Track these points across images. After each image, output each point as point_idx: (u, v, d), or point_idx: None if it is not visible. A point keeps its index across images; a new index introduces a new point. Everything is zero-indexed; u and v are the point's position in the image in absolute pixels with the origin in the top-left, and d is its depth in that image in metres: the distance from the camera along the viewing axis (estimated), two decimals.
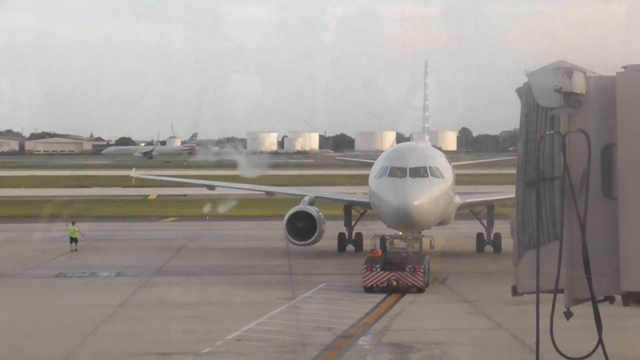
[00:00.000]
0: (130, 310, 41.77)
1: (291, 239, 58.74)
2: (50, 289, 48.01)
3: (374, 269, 45.38)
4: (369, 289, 45.43)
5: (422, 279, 45.33)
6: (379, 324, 37.49)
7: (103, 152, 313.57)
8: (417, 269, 45.28)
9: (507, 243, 58.08)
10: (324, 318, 38.66)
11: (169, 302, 43.72)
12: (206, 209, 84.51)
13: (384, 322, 37.94)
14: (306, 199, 61.79)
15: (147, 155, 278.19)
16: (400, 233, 50.44)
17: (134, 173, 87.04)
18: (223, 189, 77.41)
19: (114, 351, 33.48)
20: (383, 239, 49.51)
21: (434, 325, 37.87)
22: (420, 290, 45.35)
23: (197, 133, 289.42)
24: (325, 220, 60.03)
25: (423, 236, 51.12)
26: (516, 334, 34.95)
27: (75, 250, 61.65)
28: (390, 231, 51.78)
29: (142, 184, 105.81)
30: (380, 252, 47.37)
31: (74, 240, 62.34)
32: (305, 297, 44.26)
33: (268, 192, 75.55)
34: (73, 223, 63.71)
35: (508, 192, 62.27)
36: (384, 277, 45.29)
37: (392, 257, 46.35)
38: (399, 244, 49.22)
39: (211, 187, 74.93)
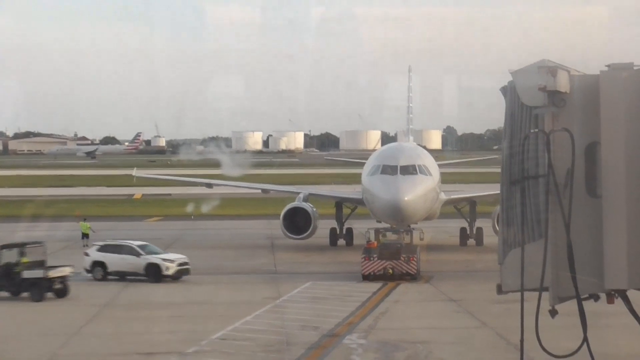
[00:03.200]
0: (115, 310, 41.66)
1: (287, 233, 61.54)
2: None
3: (372, 259, 48.31)
4: (367, 277, 48.15)
5: (415, 267, 48.19)
6: (365, 323, 37.48)
7: (45, 152, 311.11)
8: (412, 258, 48.30)
9: (489, 238, 59.24)
10: (309, 317, 38.65)
11: (153, 302, 43.60)
12: (191, 208, 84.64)
13: (370, 321, 37.94)
14: (301, 195, 64.60)
15: (90, 155, 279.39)
16: (393, 226, 53.15)
17: (135, 172, 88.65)
18: (219, 187, 79.44)
19: (98, 352, 33.40)
20: (377, 231, 52.42)
21: (420, 324, 37.89)
22: (413, 277, 48.09)
23: (141, 133, 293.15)
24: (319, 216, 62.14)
25: (413, 229, 54.09)
26: (501, 332, 35.00)
27: (87, 245, 62.17)
28: (381, 225, 54.09)
29: (131, 183, 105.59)
30: (376, 243, 50.34)
31: (85, 235, 64.29)
32: (291, 296, 44.24)
33: (264, 190, 77.96)
34: (85, 220, 66.12)
35: (490, 190, 64.39)
36: (380, 266, 48.18)
37: (388, 247, 49.05)
38: (391, 236, 51.83)
39: (210, 185, 77.08)
